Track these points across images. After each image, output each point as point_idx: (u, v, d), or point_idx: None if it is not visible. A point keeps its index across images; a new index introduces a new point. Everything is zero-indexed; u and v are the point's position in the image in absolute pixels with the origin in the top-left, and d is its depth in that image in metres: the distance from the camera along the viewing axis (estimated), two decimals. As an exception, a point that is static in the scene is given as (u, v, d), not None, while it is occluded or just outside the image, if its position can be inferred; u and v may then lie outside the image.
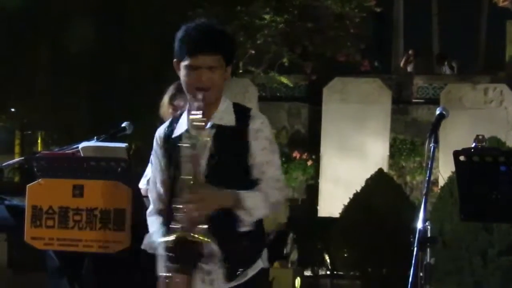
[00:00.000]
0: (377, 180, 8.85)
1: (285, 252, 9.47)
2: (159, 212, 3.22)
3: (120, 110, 11.09)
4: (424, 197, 3.20)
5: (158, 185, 3.21)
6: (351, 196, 9.04)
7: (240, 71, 17.54)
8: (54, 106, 12.41)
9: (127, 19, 12.28)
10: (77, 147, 4.14)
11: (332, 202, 11.35)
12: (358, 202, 8.63)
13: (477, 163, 3.34)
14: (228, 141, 3.10)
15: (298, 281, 8.95)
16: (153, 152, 3.26)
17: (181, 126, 3.18)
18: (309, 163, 14.25)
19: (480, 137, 3.58)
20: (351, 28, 18.80)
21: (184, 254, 2.95)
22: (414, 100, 17.99)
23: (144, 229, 3.51)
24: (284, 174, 3.37)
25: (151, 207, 3.27)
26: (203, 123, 3.05)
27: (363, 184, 8.95)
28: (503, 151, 4.22)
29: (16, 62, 12.05)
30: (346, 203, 9.23)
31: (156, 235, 3.15)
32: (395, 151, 14.14)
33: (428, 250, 3.14)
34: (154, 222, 3.22)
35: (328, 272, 10.07)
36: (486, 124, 10.40)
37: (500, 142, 7.66)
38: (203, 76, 3.08)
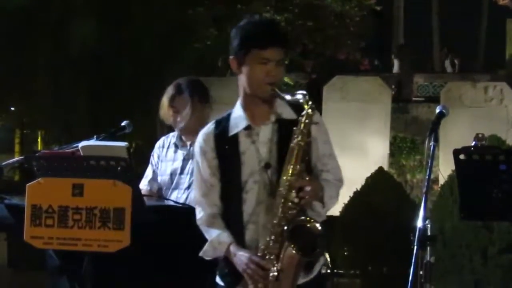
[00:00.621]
0: (377, 179, 8.82)
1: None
2: (214, 217, 3.17)
3: (120, 109, 11.09)
4: (424, 195, 3.20)
5: (208, 189, 3.16)
6: (351, 195, 9.02)
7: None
8: (54, 105, 12.42)
9: (127, 18, 12.28)
10: (77, 146, 4.14)
11: (332, 201, 11.32)
12: (358, 200, 8.60)
13: (477, 161, 3.33)
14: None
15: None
16: (200, 154, 3.17)
17: (237, 125, 3.13)
18: (309, 161, 14.24)
19: (480, 135, 3.59)
20: (351, 26, 18.83)
21: (305, 238, 2.92)
22: (414, 99, 18.02)
23: (144, 228, 3.52)
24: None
25: (201, 214, 3.20)
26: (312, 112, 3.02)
27: (363, 182, 8.94)
28: (503, 149, 4.22)
29: (16, 61, 12.05)
30: (346, 202, 9.22)
31: (223, 236, 3.10)
32: (395, 149, 14.14)
33: (428, 248, 3.14)
34: (213, 227, 3.15)
35: (328, 271, 10.07)
36: (486, 123, 10.38)
37: (500, 141, 7.65)
38: (272, 70, 3.06)
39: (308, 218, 2.94)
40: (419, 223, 3.12)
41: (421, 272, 3.13)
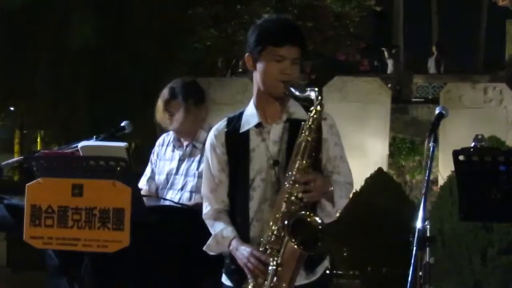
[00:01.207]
0: (377, 179, 8.82)
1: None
2: (220, 212, 3.18)
3: (119, 109, 11.08)
4: (423, 196, 3.20)
5: (217, 184, 3.17)
6: (351, 195, 9.04)
7: (240, 70, 17.55)
8: (54, 105, 12.41)
9: (127, 18, 12.28)
10: (76, 146, 4.14)
11: (331, 201, 11.32)
12: (357, 201, 8.60)
13: (477, 162, 3.33)
14: None
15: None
16: (211, 150, 3.19)
17: (248, 122, 3.13)
18: (309, 162, 14.24)
19: (480, 136, 3.58)
20: (351, 27, 18.84)
21: (306, 233, 2.92)
22: (413, 99, 18.01)
23: (144, 228, 3.52)
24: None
25: (208, 209, 3.21)
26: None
27: (362, 183, 8.94)
28: (503, 150, 4.22)
29: (16, 61, 12.04)
30: (345, 202, 9.23)
31: (227, 230, 3.10)
32: (395, 150, 14.13)
33: (428, 249, 3.14)
34: (218, 221, 3.16)
35: (327, 272, 10.06)
36: (486, 124, 10.38)
37: (499, 142, 7.66)
38: (287, 69, 3.06)
39: (308, 213, 2.93)
40: (419, 224, 3.12)
41: (420, 273, 3.13)
